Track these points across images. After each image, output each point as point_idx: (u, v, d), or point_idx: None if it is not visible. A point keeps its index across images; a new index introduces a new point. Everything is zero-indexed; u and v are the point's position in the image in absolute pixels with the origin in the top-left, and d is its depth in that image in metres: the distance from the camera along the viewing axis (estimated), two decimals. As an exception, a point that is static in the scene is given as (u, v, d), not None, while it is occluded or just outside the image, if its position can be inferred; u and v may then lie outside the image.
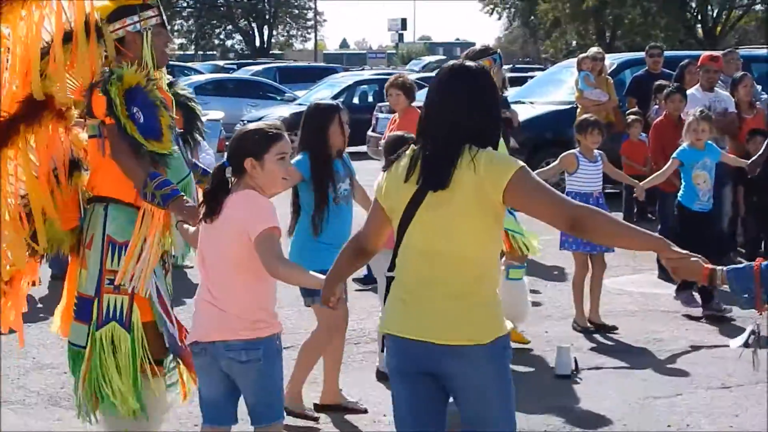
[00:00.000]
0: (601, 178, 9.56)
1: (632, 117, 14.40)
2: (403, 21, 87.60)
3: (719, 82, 12.79)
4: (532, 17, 67.51)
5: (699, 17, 60.05)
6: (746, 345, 4.89)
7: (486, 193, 4.25)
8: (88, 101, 5.89)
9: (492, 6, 69.63)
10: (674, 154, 9.96)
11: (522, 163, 4.29)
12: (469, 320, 4.33)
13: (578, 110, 15.01)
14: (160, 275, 6.06)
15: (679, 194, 10.05)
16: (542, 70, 31.02)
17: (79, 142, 6.19)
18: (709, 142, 10.09)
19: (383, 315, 4.56)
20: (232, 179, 5.13)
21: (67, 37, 5.96)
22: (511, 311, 8.87)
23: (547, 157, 13.08)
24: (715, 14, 60.27)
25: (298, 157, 6.89)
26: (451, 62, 4.65)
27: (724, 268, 4.32)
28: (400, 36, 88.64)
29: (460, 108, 4.38)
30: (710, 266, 4.28)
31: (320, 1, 68.54)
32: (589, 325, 9.24)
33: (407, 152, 4.47)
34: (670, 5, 56.84)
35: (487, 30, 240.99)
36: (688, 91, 11.99)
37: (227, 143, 5.32)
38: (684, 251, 4.27)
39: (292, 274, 5.09)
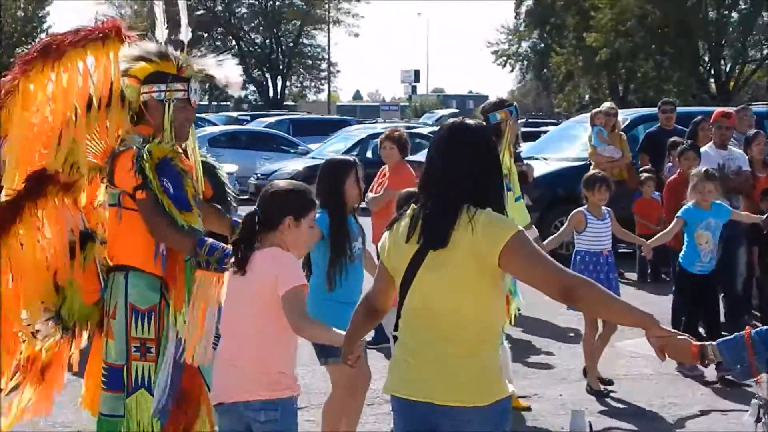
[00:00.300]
0: (610, 235, 9.53)
1: (645, 175, 14.36)
2: (416, 73, 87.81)
3: (732, 139, 12.74)
4: (545, 70, 67.68)
5: (712, 72, 60.13)
6: (758, 419, 4.81)
7: (483, 256, 4.27)
8: (110, 169, 5.93)
9: (505, 58, 69.81)
10: (679, 213, 9.96)
11: (520, 228, 4.32)
12: (469, 382, 4.32)
13: (591, 167, 14.98)
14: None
15: (680, 255, 10.03)
16: (555, 124, 30.97)
17: (95, 213, 6.20)
18: (719, 202, 10.04)
19: (388, 376, 4.57)
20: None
21: (90, 102, 5.99)
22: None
23: (561, 215, 13.02)
24: (728, 69, 60.35)
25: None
26: (451, 120, 4.67)
27: (714, 343, 4.25)
28: (413, 88, 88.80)
29: (459, 167, 4.39)
30: (698, 343, 4.24)
31: (334, 53, 68.89)
32: (602, 388, 9.16)
33: (407, 212, 4.50)
34: (683, 59, 56.93)
35: (500, 83, 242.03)
36: (702, 149, 11.94)
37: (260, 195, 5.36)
38: (672, 330, 4.27)
39: (316, 331, 5.20)
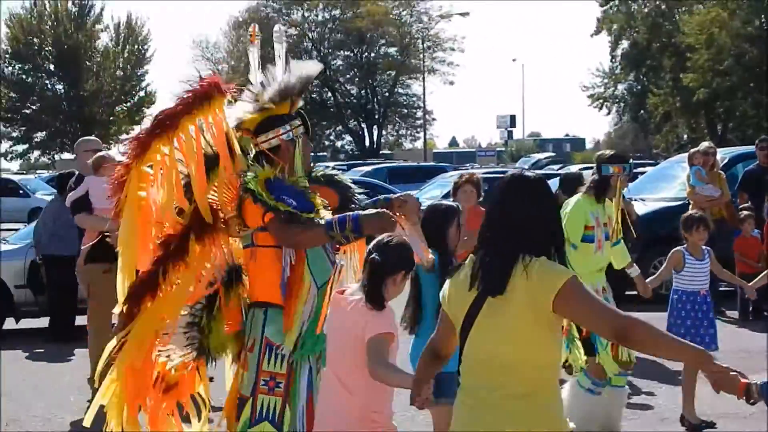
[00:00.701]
0: (708, 275, 9.49)
1: (745, 212, 14.24)
2: (512, 118, 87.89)
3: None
4: (642, 111, 67.32)
5: (812, 108, 59.38)
6: None
7: (538, 301, 4.42)
8: (240, 214, 6.16)
9: (601, 101, 69.59)
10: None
11: (573, 273, 4.47)
12: (529, 420, 4.45)
13: (690, 206, 14.89)
14: (313, 368, 6.22)
15: None
16: (654, 164, 30.77)
17: (239, 251, 6.44)
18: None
19: (452, 420, 4.70)
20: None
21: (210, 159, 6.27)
22: (608, 418, 8.88)
23: (660, 255, 12.95)
24: (828, 105, 59.55)
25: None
26: (512, 172, 4.89)
27: (759, 382, 4.26)
28: (509, 133, 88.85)
29: (516, 217, 4.58)
30: (746, 380, 4.25)
31: (429, 101, 69.18)
32: (699, 420, 9.12)
33: (467, 261, 4.69)
34: (782, 96, 56.32)
35: (596, 125, 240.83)
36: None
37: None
38: (724, 365, 4.30)
39: (388, 375, 5.33)
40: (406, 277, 5.61)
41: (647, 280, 9.49)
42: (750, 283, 9.90)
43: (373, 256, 5.57)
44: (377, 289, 5.51)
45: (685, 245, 9.46)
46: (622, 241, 9.34)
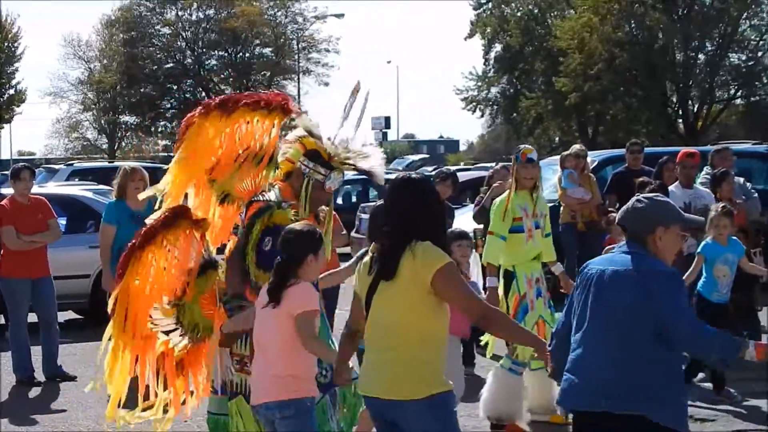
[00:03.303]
0: None
1: (613, 215, 14.35)
2: (387, 119, 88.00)
3: (707, 178, 12.80)
4: (515, 114, 67.93)
5: (680, 112, 60.52)
6: None
7: (419, 276, 5.40)
8: (245, 211, 7.12)
9: (474, 104, 70.05)
10: (698, 250, 10.30)
11: (450, 260, 5.47)
12: (408, 379, 5.43)
13: (561, 208, 15.01)
14: None
15: (698, 285, 10.27)
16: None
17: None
18: (734, 238, 10.37)
19: (359, 379, 5.86)
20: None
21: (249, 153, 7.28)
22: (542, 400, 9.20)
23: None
24: (695, 109, 60.76)
25: None
26: (401, 174, 5.89)
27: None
28: (384, 134, 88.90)
29: (406, 212, 5.53)
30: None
31: (304, 101, 68.88)
32: None
33: (371, 250, 5.68)
34: (652, 101, 57.30)
35: (470, 127, 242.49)
36: (669, 188, 11.98)
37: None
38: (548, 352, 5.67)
39: (319, 349, 6.31)
40: (316, 257, 6.36)
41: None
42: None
43: (276, 259, 6.41)
44: (280, 284, 6.33)
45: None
46: (550, 235, 9.85)
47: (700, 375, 10.69)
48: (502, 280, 9.55)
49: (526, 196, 9.63)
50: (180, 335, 7.10)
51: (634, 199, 5.63)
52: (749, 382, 10.69)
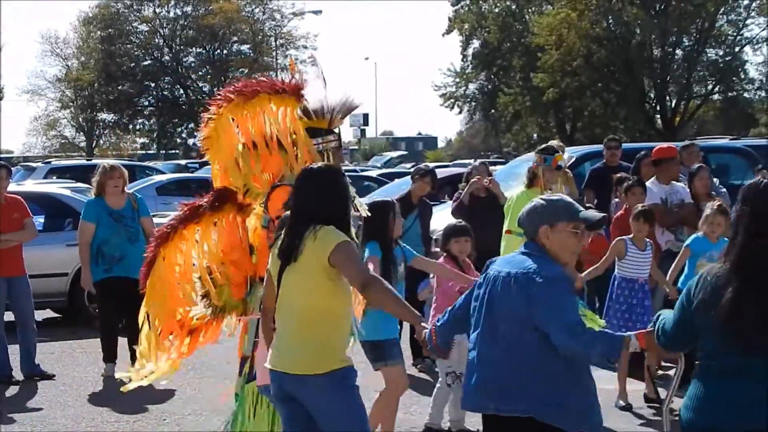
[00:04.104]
0: (649, 265, 10.23)
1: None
2: (365, 116, 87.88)
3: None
4: (493, 111, 68.05)
5: (658, 108, 60.75)
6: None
7: (318, 256, 5.76)
8: (266, 197, 7.13)
9: (452, 101, 70.13)
10: (687, 242, 10.38)
11: (346, 239, 5.79)
12: (310, 354, 5.78)
13: (538, 204, 15.01)
14: None
15: (680, 280, 10.28)
16: (504, 163, 31.09)
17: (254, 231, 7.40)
18: (725, 238, 10.22)
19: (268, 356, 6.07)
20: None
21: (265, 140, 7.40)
22: None
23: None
24: (673, 105, 60.99)
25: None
26: (309, 165, 6.28)
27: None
28: (363, 131, 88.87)
29: (311, 200, 5.94)
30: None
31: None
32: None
33: (283, 233, 6.02)
34: (629, 97, 57.50)
35: (448, 124, 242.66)
36: (646, 184, 12.01)
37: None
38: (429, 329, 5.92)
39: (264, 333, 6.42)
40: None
41: (590, 270, 10.33)
42: (582, 275, 10.24)
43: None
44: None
45: (631, 236, 10.19)
46: None
47: None
48: None
49: (539, 193, 9.80)
50: (205, 307, 7.36)
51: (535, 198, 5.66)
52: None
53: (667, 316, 5.10)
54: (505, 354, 5.31)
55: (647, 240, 10.22)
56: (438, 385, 9.10)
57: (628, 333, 5.37)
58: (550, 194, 5.69)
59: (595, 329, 5.31)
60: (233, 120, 7.47)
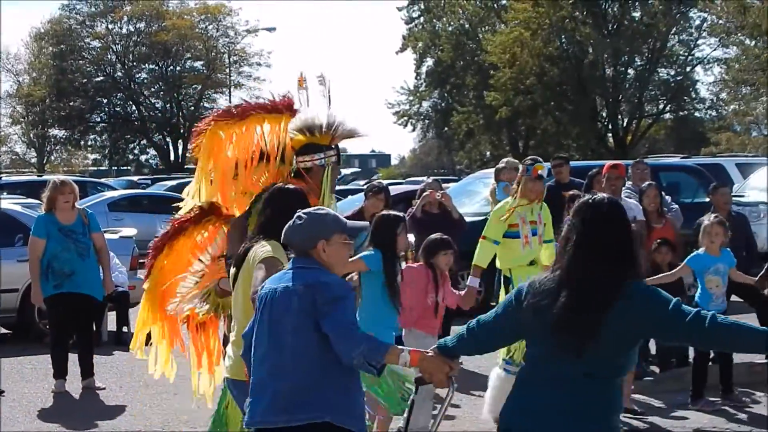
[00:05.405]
0: None
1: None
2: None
3: (630, 192, 12.91)
4: (446, 128, 68.17)
5: (610, 126, 61.13)
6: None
7: (250, 265, 6.38)
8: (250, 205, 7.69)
9: (406, 118, 70.23)
10: (686, 261, 10.54)
11: (273, 255, 6.30)
12: (236, 361, 6.31)
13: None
14: None
15: (696, 295, 10.50)
16: (457, 180, 31.17)
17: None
18: (728, 250, 10.60)
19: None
20: None
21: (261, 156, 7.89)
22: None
23: (460, 270, 13.01)
24: (625, 124, 61.40)
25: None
26: (279, 184, 7.01)
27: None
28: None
29: (263, 215, 6.79)
30: None
31: (235, 116, 68.44)
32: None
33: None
34: (582, 115, 57.83)
35: (402, 141, 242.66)
36: (598, 201, 12.05)
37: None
38: None
39: None
40: None
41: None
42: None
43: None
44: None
45: None
46: (552, 241, 10.10)
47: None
48: (502, 287, 10.30)
49: (525, 205, 10.20)
50: (205, 307, 7.97)
51: (295, 216, 5.71)
52: (674, 393, 10.84)
53: (482, 316, 5.21)
54: (295, 365, 5.40)
55: None
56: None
57: (405, 347, 5.48)
58: (315, 209, 5.73)
59: (366, 332, 5.46)
60: (223, 134, 7.89)
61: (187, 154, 75.32)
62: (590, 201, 5.07)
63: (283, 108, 7.90)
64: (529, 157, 10.87)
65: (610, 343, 4.75)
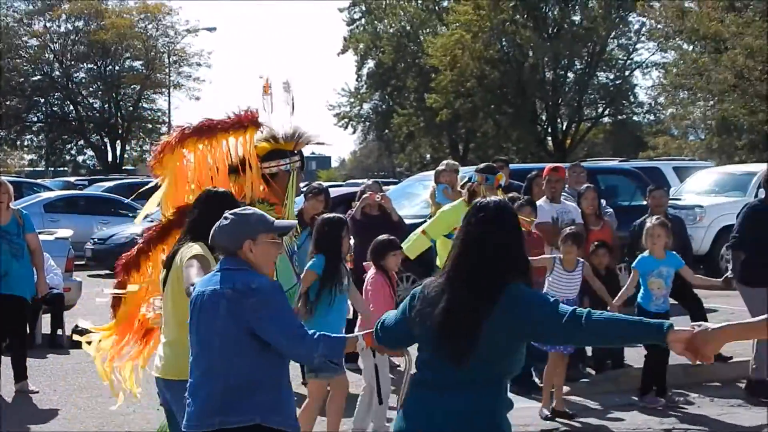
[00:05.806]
0: (578, 285, 10.50)
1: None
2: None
3: (567, 194, 12.95)
4: (387, 131, 68.25)
5: (549, 130, 61.46)
6: None
7: (179, 267, 6.40)
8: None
9: (347, 120, 70.22)
10: (633, 264, 10.64)
11: (200, 253, 6.33)
12: (172, 360, 6.33)
13: (430, 223, 15.02)
14: None
15: (638, 296, 10.60)
16: (397, 183, 31.18)
17: None
18: (673, 252, 10.66)
19: None
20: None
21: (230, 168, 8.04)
22: None
23: (407, 272, 13.00)
24: (564, 127, 61.74)
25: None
26: (211, 189, 7.03)
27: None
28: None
29: (190, 216, 6.85)
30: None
31: (175, 116, 68.19)
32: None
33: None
34: (521, 119, 58.09)
35: (342, 144, 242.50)
36: (537, 203, 12.08)
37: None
38: None
39: None
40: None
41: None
42: (614, 302, 10.54)
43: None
44: None
45: (560, 256, 10.47)
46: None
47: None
48: None
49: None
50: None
51: (222, 217, 5.70)
52: (610, 395, 10.88)
53: (389, 314, 5.28)
54: (225, 366, 5.40)
55: (580, 260, 10.47)
56: (362, 393, 9.15)
57: (357, 333, 5.76)
58: (242, 209, 5.72)
59: (316, 333, 5.46)
60: (187, 151, 7.98)
61: (125, 155, 75.13)
62: (477, 204, 5.05)
63: (248, 122, 8.09)
64: (485, 164, 10.92)
65: (492, 348, 4.72)
